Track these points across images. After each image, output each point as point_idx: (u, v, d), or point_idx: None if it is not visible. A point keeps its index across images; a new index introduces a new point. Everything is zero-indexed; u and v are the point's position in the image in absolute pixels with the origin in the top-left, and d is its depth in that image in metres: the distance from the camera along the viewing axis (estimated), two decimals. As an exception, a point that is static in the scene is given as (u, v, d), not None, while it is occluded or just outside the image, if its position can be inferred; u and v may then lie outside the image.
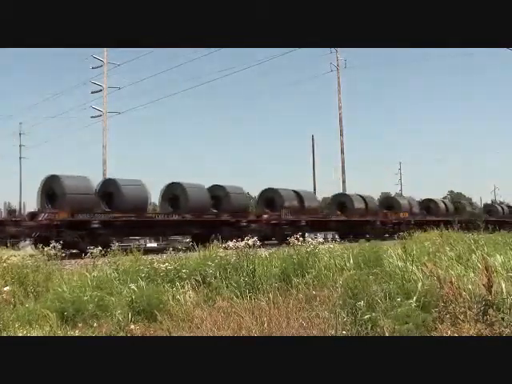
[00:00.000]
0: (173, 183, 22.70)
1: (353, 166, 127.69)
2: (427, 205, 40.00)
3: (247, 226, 23.14)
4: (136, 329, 5.68)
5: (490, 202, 57.70)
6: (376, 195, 41.09)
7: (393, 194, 52.65)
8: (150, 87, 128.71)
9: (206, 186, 23.69)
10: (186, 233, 22.90)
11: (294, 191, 27.58)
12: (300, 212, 26.48)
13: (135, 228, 20.66)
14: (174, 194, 22.43)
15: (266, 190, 27.36)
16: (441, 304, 5.19)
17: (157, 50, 47.24)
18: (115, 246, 11.00)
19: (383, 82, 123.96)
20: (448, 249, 9.11)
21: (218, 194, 23.59)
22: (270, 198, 26.84)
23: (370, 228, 29.90)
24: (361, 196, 32.51)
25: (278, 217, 25.13)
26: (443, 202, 41.50)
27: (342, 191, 37.12)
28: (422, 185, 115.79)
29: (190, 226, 21.87)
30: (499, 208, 47.60)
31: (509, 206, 50.64)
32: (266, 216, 24.92)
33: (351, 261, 8.77)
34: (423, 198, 41.68)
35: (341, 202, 32.16)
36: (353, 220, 30.08)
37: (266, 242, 17.35)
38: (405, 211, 34.73)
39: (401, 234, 19.28)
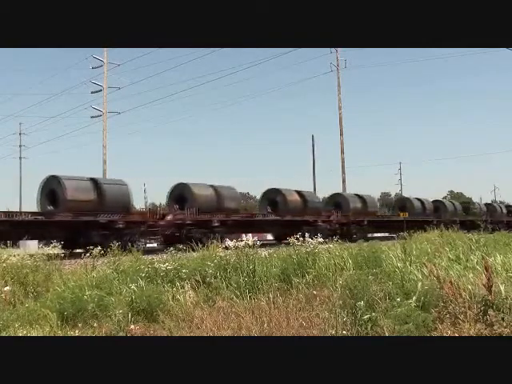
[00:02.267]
0: None
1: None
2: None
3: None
4: (136, 329, 5.68)
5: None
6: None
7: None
8: (149, 87, 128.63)
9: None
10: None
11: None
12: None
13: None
14: None
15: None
16: (441, 304, 5.19)
17: (156, 50, 47.30)
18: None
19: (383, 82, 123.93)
20: (448, 249, 9.11)
21: None
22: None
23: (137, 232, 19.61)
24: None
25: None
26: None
27: (342, 191, 36.65)
28: (421, 185, 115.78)
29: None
30: (498, 208, 47.35)
31: (508, 206, 50.56)
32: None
33: (350, 261, 8.76)
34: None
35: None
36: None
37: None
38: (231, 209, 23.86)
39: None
